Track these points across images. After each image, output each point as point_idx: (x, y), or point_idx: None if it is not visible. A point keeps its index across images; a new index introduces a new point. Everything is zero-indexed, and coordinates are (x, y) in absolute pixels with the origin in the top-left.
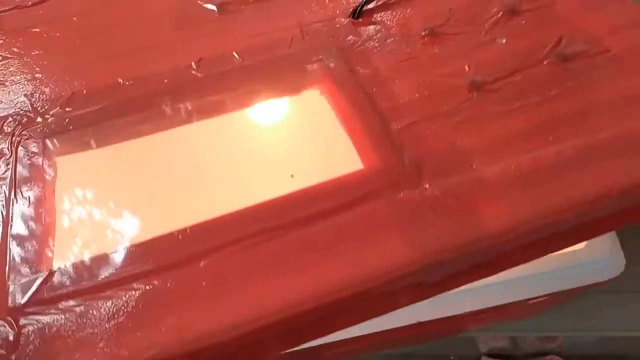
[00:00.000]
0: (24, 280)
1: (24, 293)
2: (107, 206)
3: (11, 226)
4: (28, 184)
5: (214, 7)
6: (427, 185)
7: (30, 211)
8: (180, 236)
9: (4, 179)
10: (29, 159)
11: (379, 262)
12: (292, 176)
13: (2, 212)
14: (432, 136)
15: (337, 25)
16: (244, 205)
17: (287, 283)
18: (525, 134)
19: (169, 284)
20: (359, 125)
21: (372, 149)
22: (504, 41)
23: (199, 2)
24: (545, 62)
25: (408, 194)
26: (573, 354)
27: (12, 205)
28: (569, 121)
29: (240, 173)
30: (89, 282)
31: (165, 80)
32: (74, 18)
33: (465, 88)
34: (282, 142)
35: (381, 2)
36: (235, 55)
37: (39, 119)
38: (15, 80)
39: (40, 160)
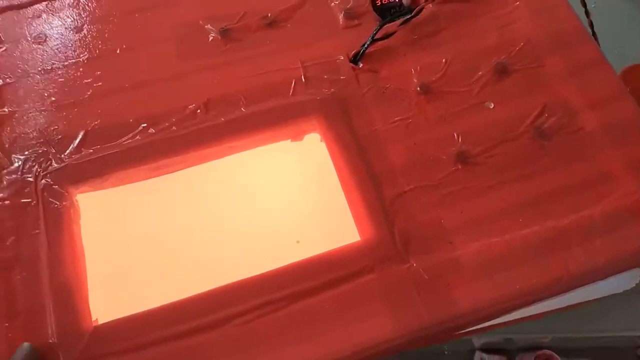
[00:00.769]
0: (68, 338)
1: (70, 351)
2: (130, 253)
3: (48, 280)
4: (58, 234)
5: (216, 32)
6: (413, 263)
7: (64, 262)
8: (187, 305)
9: (37, 227)
10: (54, 207)
11: (368, 335)
12: (297, 242)
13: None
14: (420, 209)
15: (338, 70)
16: (253, 273)
17: (296, 351)
18: (498, 214)
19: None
20: (356, 192)
21: (368, 220)
22: (492, 106)
23: (200, 22)
24: (525, 136)
25: (397, 269)
26: (565, 347)
27: (46, 258)
28: (537, 204)
29: (249, 236)
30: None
31: (174, 128)
32: (76, 39)
33: (452, 158)
34: (288, 205)
35: (380, 47)
36: (241, 97)
37: (57, 162)
38: (26, 109)
39: (65, 206)
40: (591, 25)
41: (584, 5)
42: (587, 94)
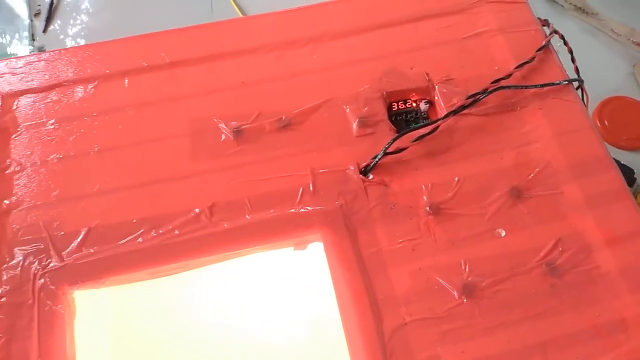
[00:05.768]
0: None
1: None
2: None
3: None
4: (50, 340)
5: (230, 132)
6: None
7: None
8: None
9: (30, 330)
10: (50, 309)
11: None
12: None
13: None
14: (419, 345)
15: (347, 181)
16: None
17: None
18: (500, 359)
19: None
20: (355, 320)
21: (365, 355)
22: (503, 234)
23: (215, 120)
24: (535, 272)
25: None
26: None
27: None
28: (542, 350)
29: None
30: None
31: (176, 232)
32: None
33: (458, 289)
34: (282, 327)
35: (392, 159)
36: (247, 203)
37: (57, 261)
38: (32, 199)
39: (60, 309)
40: (577, 71)
41: (570, 52)
42: (606, 229)
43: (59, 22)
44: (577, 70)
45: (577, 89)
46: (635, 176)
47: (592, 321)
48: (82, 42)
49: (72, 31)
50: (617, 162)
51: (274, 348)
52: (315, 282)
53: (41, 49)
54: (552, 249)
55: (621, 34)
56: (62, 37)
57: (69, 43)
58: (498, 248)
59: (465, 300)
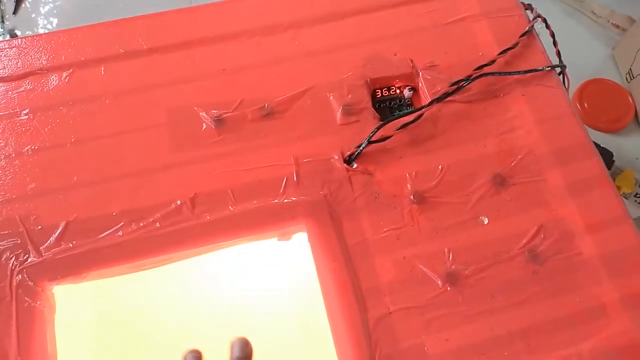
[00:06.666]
0: None
1: None
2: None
3: None
4: (30, 338)
5: (211, 121)
6: None
7: None
8: None
9: (9, 327)
10: (28, 305)
11: None
12: None
13: None
14: (404, 334)
15: (331, 170)
16: None
17: None
18: (485, 345)
19: None
20: (340, 311)
21: (349, 346)
22: (486, 221)
23: (195, 108)
24: (518, 259)
25: None
26: None
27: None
28: (525, 336)
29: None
30: None
31: (158, 224)
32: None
33: (442, 277)
34: (267, 320)
35: (376, 147)
36: (230, 194)
37: (35, 256)
38: (7, 193)
39: (39, 305)
40: (559, 54)
41: (552, 36)
42: (587, 215)
43: (29, 1)
44: (558, 53)
45: (559, 74)
46: (613, 159)
47: (573, 307)
48: (55, 21)
49: (44, 10)
50: (596, 145)
51: (258, 339)
52: (300, 272)
53: (12, 32)
54: (534, 236)
55: (601, 16)
56: (33, 15)
57: (41, 23)
58: (481, 236)
59: (449, 288)
